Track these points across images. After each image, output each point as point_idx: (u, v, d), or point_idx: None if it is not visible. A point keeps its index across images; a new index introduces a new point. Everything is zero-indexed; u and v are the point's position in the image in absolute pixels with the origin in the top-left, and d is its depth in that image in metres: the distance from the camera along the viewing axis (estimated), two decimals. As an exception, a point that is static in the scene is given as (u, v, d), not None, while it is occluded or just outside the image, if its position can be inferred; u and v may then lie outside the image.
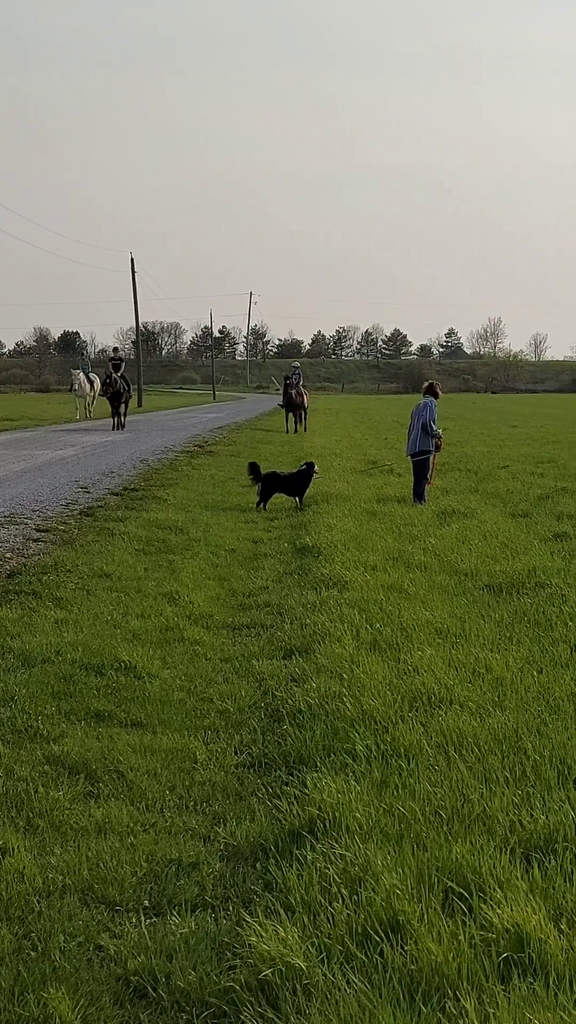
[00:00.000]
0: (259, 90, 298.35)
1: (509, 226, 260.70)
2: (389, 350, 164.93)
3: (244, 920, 3.76)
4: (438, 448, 15.00)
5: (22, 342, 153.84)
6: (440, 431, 15.07)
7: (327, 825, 4.36)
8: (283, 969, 3.42)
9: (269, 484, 14.59)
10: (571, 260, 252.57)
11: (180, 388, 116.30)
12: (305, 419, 34.58)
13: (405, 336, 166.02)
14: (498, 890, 3.80)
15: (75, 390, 41.83)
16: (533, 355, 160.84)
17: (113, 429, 33.13)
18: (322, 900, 3.82)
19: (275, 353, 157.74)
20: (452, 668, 6.52)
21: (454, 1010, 3.22)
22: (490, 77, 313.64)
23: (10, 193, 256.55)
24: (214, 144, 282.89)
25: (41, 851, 4.40)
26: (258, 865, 4.25)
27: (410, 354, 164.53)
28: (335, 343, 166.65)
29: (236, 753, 5.51)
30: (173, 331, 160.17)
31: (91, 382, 41.56)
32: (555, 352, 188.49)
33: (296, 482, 14.73)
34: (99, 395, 39.21)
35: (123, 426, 33.80)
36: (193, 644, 7.54)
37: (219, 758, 5.43)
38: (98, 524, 12.63)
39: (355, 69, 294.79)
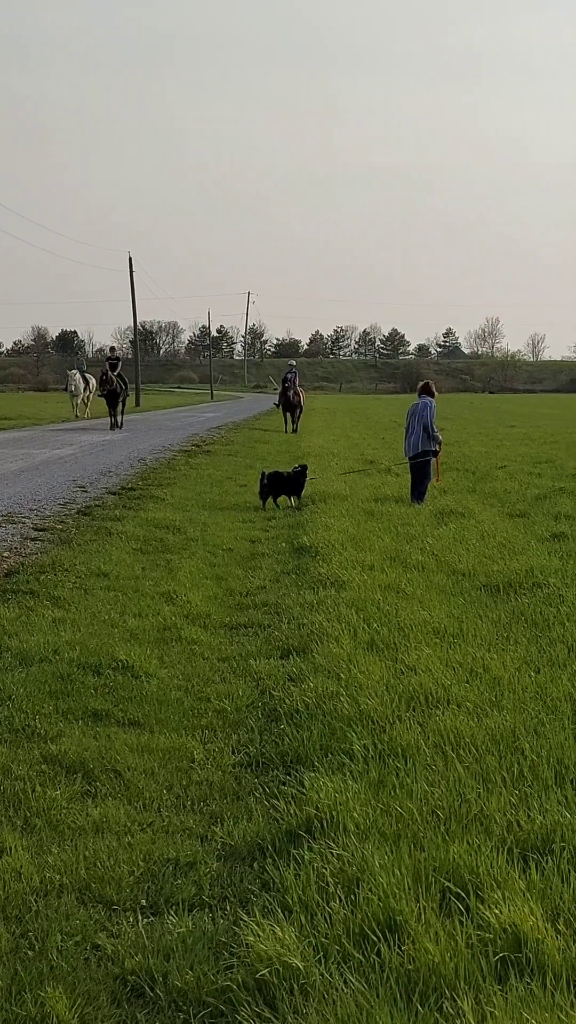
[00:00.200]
0: (259, 90, 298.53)
1: (508, 226, 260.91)
2: (387, 350, 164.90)
3: (241, 920, 3.76)
4: (436, 453, 15.12)
5: (20, 341, 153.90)
6: (439, 433, 15.15)
7: (324, 825, 4.36)
8: (280, 969, 3.42)
9: (273, 483, 14.87)
10: (570, 260, 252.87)
11: (178, 387, 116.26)
12: (298, 419, 34.46)
13: (403, 336, 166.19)
14: (495, 890, 3.80)
15: (70, 389, 41.86)
16: (531, 355, 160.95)
17: (110, 428, 33.12)
18: (319, 900, 3.82)
19: (273, 353, 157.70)
20: (449, 668, 6.52)
21: (451, 1010, 3.22)
22: (490, 78, 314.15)
23: (9, 192, 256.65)
24: (213, 143, 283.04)
25: (39, 850, 4.40)
26: (255, 865, 4.25)
27: (408, 354, 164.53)
28: (333, 343, 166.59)
29: (233, 753, 5.51)
30: (171, 330, 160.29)
31: (86, 381, 41.59)
32: (553, 352, 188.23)
33: (293, 483, 15.07)
34: (96, 395, 39.21)
35: (121, 425, 33.79)
36: (191, 643, 7.54)
37: (216, 758, 5.43)
38: (96, 523, 12.63)
39: (355, 69, 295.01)
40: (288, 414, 33.99)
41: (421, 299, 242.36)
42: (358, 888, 3.85)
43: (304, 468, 15.30)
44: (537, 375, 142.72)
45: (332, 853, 4.11)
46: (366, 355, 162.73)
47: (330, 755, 5.16)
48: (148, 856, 4.36)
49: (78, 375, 41.73)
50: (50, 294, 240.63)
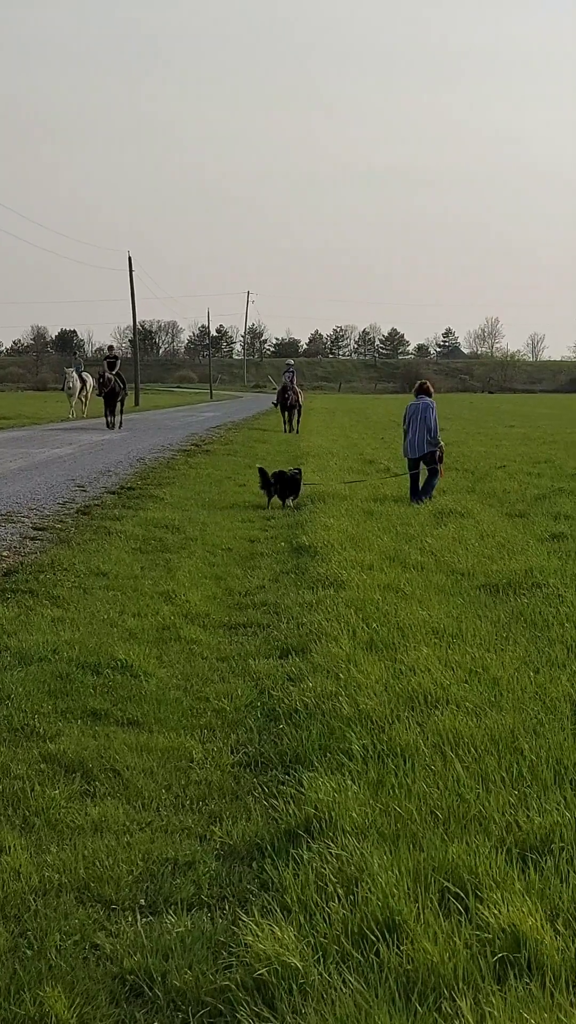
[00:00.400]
0: (258, 90, 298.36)
1: (508, 226, 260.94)
2: (386, 350, 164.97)
3: (240, 919, 3.76)
4: (440, 457, 15.35)
5: (19, 340, 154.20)
6: (440, 437, 15.33)
7: (323, 825, 4.36)
8: (279, 968, 3.42)
9: (280, 483, 15.09)
10: (569, 260, 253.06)
11: (177, 387, 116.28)
12: (298, 418, 34.39)
13: (403, 336, 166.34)
14: (494, 890, 3.80)
15: (68, 389, 41.84)
16: (530, 355, 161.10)
17: (109, 428, 33.11)
18: (318, 900, 3.82)
19: (272, 352, 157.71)
20: (448, 668, 6.52)
21: (450, 1010, 3.22)
22: (490, 77, 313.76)
23: (8, 192, 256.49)
24: (213, 143, 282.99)
25: (37, 849, 4.40)
26: (254, 864, 4.24)
27: (407, 354, 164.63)
28: (332, 342, 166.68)
29: (232, 752, 5.51)
30: (170, 330, 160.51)
31: (83, 381, 41.56)
32: (552, 352, 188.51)
33: (295, 483, 15.26)
34: (95, 394, 39.19)
35: (120, 425, 33.78)
36: (190, 643, 7.54)
37: (215, 757, 5.43)
38: (95, 523, 12.63)
39: (355, 69, 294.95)
40: (286, 413, 33.98)
41: (420, 299, 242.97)
42: (357, 888, 3.84)
43: (299, 471, 15.58)
44: (536, 375, 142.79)
45: (331, 853, 4.11)
46: (365, 355, 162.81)
47: (329, 755, 5.15)
48: (147, 856, 4.36)
49: (75, 374, 41.69)
50: (50, 294, 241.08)
